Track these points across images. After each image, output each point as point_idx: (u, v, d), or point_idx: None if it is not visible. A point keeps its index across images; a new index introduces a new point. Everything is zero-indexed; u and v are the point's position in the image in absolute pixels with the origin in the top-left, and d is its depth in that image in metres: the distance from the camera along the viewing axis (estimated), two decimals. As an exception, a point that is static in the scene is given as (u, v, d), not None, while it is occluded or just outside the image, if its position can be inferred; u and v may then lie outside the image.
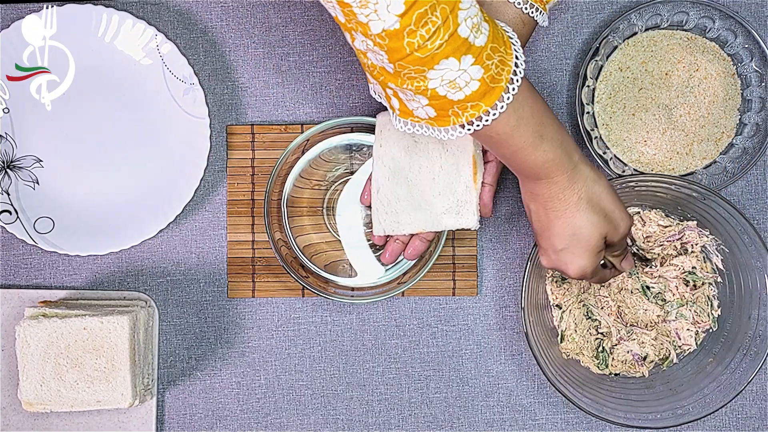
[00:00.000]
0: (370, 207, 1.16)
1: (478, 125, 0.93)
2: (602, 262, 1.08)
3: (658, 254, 1.21)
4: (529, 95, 0.95)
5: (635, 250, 1.19)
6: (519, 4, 1.06)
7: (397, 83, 0.91)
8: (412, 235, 1.16)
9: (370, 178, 1.15)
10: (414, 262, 1.21)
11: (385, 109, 1.09)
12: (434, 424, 1.25)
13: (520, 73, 0.93)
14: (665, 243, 1.21)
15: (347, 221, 1.22)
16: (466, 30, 0.87)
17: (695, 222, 1.20)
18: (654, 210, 1.22)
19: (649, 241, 1.21)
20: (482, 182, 1.13)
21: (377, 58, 0.89)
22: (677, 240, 1.20)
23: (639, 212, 1.21)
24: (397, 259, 1.19)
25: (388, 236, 1.17)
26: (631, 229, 1.11)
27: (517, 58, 0.93)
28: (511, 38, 0.94)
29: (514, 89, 0.92)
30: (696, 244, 1.21)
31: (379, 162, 1.13)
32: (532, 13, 1.07)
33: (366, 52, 0.90)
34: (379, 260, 1.21)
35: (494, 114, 0.92)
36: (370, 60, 0.91)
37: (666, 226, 1.21)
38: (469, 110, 0.92)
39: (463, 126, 0.94)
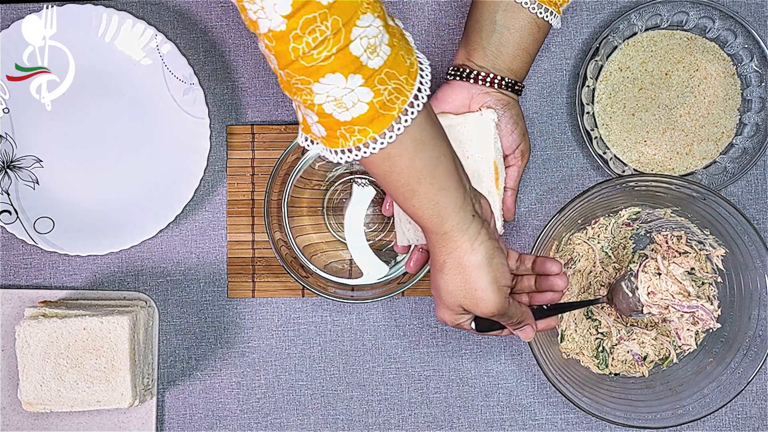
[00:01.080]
0: (387, 216, 1.15)
1: (365, 152, 0.89)
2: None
3: (655, 315, 1.15)
4: (417, 146, 0.90)
5: (637, 297, 1.13)
6: (533, 9, 1.06)
7: (290, 93, 0.88)
8: None
9: None
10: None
11: None
12: (434, 424, 1.24)
13: (418, 107, 0.88)
14: (671, 308, 1.14)
15: (348, 221, 1.22)
16: (359, 48, 0.83)
17: (715, 305, 1.15)
18: (676, 264, 1.14)
19: (652, 297, 1.14)
20: (504, 187, 1.13)
21: (271, 61, 0.86)
22: (686, 312, 1.15)
23: (657, 260, 1.13)
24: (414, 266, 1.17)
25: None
26: (636, 275, 1.10)
27: (419, 91, 0.88)
28: (422, 71, 0.89)
29: (406, 121, 0.87)
30: (704, 322, 1.17)
31: None
32: (547, 17, 1.07)
33: (266, 55, 0.87)
34: (381, 260, 1.21)
35: (381, 143, 0.88)
36: (271, 64, 0.88)
37: (679, 293, 1.13)
38: (356, 134, 0.88)
39: (350, 150, 0.89)
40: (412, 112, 0.88)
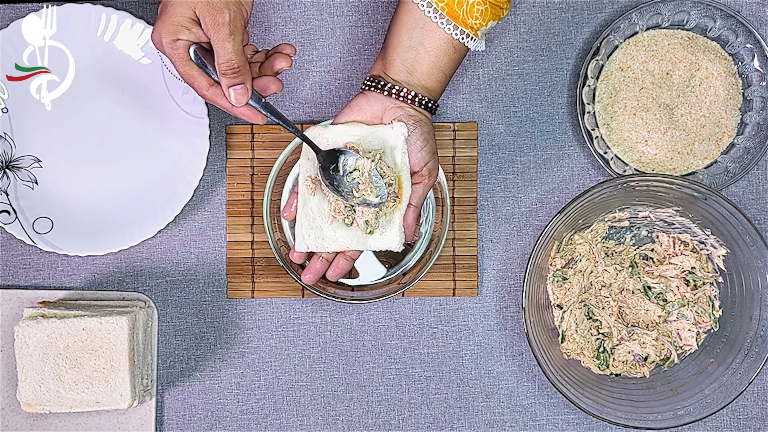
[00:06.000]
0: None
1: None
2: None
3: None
4: None
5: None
6: (449, 30, 1.05)
7: None
8: (337, 254, 1.12)
9: (295, 192, 1.12)
10: (414, 262, 1.20)
11: (313, 123, 1.12)
12: (434, 425, 1.24)
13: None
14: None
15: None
16: None
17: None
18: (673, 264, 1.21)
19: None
20: (408, 203, 1.10)
21: None
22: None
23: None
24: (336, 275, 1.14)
25: (310, 254, 1.12)
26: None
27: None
28: None
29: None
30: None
31: (305, 176, 1.10)
32: (463, 39, 1.06)
33: None
34: (380, 260, 1.21)
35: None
36: None
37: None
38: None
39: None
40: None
